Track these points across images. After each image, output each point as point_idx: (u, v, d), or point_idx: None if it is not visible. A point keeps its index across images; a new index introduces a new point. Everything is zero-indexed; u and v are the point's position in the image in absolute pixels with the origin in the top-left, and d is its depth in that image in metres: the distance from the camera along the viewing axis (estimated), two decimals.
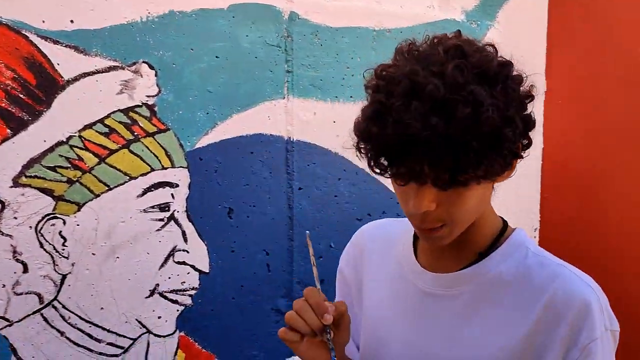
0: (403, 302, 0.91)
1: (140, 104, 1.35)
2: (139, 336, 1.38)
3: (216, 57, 1.41)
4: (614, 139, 1.65)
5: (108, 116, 1.32)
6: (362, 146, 0.78)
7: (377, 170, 0.78)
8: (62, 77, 1.27)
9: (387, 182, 1.61)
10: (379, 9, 1.57)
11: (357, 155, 0.83)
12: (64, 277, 1.30)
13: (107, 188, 1.32)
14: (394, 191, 0.85)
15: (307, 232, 0.95)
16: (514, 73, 0.77)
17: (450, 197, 0.76)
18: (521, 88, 0.77)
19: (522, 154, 0.78)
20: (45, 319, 1.30)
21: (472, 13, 1.71)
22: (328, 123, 1.53)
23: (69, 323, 1.32)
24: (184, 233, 1.41)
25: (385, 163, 0.75)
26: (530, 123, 0.78)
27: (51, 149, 1.27)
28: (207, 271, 1.44)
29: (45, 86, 1.26)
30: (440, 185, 0.73)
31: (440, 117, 0.69)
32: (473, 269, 0.85)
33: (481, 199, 0.80)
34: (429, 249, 0.91)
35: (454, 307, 0.86)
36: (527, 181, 1.83)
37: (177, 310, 1.41)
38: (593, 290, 0.80)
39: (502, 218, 0.90)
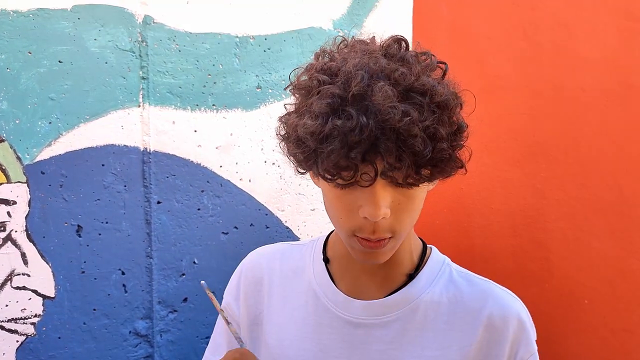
0: (326, 336, 0.83)
1: None
2: None
3: (59, 61, 1.29)
4: (476, 144, 1.71)
5: None
6: (305, 149, 0.70)
7: (328, 177, 0.69)
8: None
9: (255, 193, 1.56)
10: (242, 15, 1.52)
11: (294, 163, 0.77)
12: None
13: None
14: (324, 201, 0.78)
15: (202, 282, 0.83)
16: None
17: (400, 204, 0.72)
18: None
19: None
20: None
21: (339, 21, 1.70)
22: (189, 132, 1.46)
23: None
24: (23, 255, 1.27)
25: (343, 164, 0.67)
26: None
27: None
28: (53, 296, 1.31)
29: None
30: (411, 181, 0.70)
31: (412, 105, 0.67)
32: (403, 292, 0.81)
33: (420, 208, 0.77)
34: (350, 274, 0.84)
35: (386, 336, 0.80)
36: None
37: (17, 342, 1.27)
38: (522, 304, 0.84)
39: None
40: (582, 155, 1.49)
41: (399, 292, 0.82)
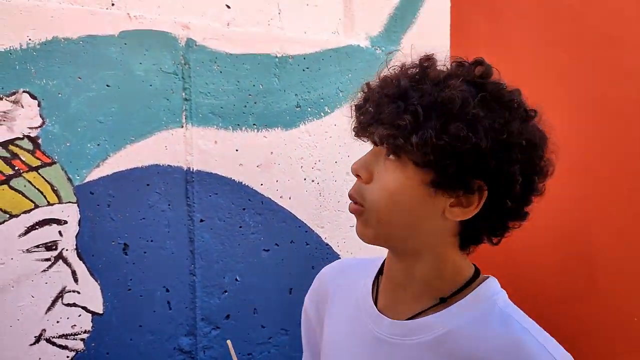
0: (359, 349, 0.84)
1: (22, 137, 1.26)
2: None
3: (107, 85, 1.34)
4: None
5: None
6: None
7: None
8: None
9: (295, 210, 1.58)
10: (281, 36, 1.55)
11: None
12: None
13: None
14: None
15: (228, 340, 0.91)
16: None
17: (381, 176, 0.76)
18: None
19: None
20: None
21: (376, 39, 1.71)
22: (230, 152, 1.48)
23: None
24: (73, 273, 1.32)
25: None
26: (533, 176, 0.75)
27: None
28: (101, 312, 1.35)
29: None
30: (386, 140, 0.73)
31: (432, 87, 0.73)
32: (431, 318, 0.78)
33: (402, 202, 0.75)
34: (389, 288, 0.84)
35: (407, 358, 0.79)
36: None
37: (68, 357, 1.31)
38: None
39: (474, 265, 0.82)
40: (628, 169, 1.46)
41: (426, 316, 0.79)
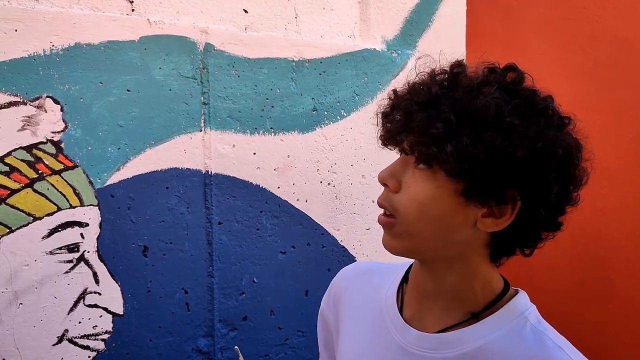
0: (381, 357, 0.82)
1: (45, 141, 1.28)
2: None
3: (127, 90, 1.36)
4: None
5: (9, 154, 1.25)
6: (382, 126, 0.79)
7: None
8: None
9: (311, 213, 1.59)
10: (298, 40, 1.57)
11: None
12: None
13: (8, 230, 1.25)
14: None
15: (236, 347, 0.91)
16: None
17: (410, 186, 0.73)
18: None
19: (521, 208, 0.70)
20: None
21: (392, 42, 1.72)
22: (248, 155, 1.50)
23: None
24: (95, 274, 1.34)
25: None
26: (568, 186, 0.72)
27: None
28: (121, 313, 1.37)
29: None
30: (416, 150, 0.71)
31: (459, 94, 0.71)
32: (462, 332, 0.76)
33: (432, 212, 0.73)
34: (415, 298, 0.82)
35: None
36: None
37: (89, 357, 1.34)
38: None
39: (503, 278, 0.81)
40: None
41: (457, 330, 0.77)
